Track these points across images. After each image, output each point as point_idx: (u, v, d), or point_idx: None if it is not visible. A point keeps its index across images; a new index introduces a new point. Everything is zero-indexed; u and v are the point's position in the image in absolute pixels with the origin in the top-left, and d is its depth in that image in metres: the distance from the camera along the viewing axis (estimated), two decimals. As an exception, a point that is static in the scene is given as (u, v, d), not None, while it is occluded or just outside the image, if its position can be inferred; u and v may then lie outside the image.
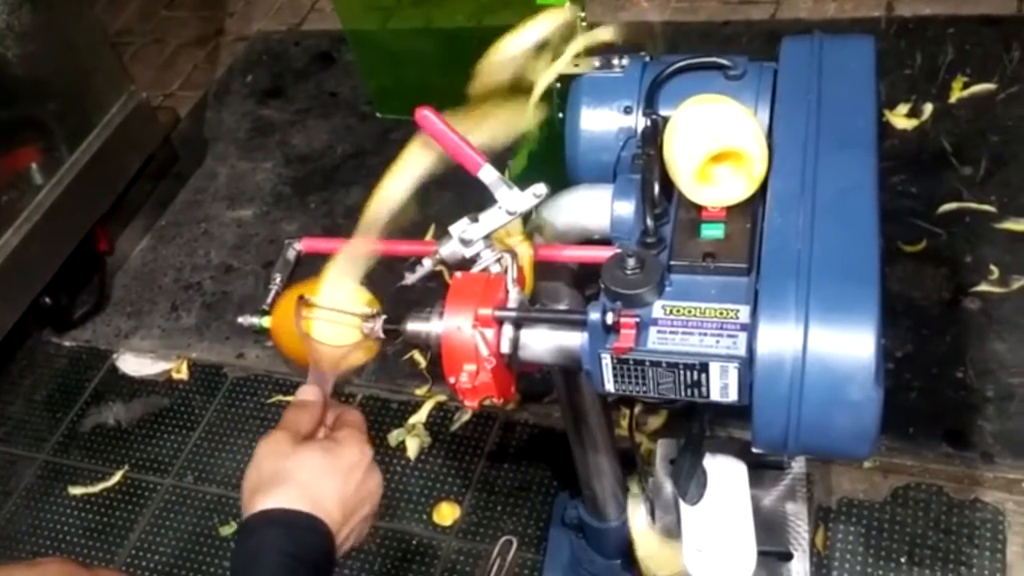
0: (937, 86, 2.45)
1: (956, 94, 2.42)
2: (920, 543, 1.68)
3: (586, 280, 1.11)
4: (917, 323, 1.97)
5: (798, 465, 1.66)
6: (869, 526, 1.72)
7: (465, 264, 0.96)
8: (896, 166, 2.24)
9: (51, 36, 2.26)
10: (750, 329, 0.82)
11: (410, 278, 0.99)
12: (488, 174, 0.95)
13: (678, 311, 0.85)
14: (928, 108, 2.39)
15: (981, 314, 1.96)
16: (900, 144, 2.32)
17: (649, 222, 0.91)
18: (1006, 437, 1.78)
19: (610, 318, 0.84)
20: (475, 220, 0.95)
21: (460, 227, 0.95)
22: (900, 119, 2.38)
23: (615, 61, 1.08)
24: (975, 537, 1.67)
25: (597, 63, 1.08)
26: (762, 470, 1.64)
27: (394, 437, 2.04)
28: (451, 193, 2.52)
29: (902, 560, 1.67)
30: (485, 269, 0.94)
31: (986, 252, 2.06)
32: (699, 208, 0.93)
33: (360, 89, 2.97)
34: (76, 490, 2.13)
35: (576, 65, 1.09)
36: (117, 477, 2.13)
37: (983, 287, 2.00)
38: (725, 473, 1.29)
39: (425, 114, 0.96)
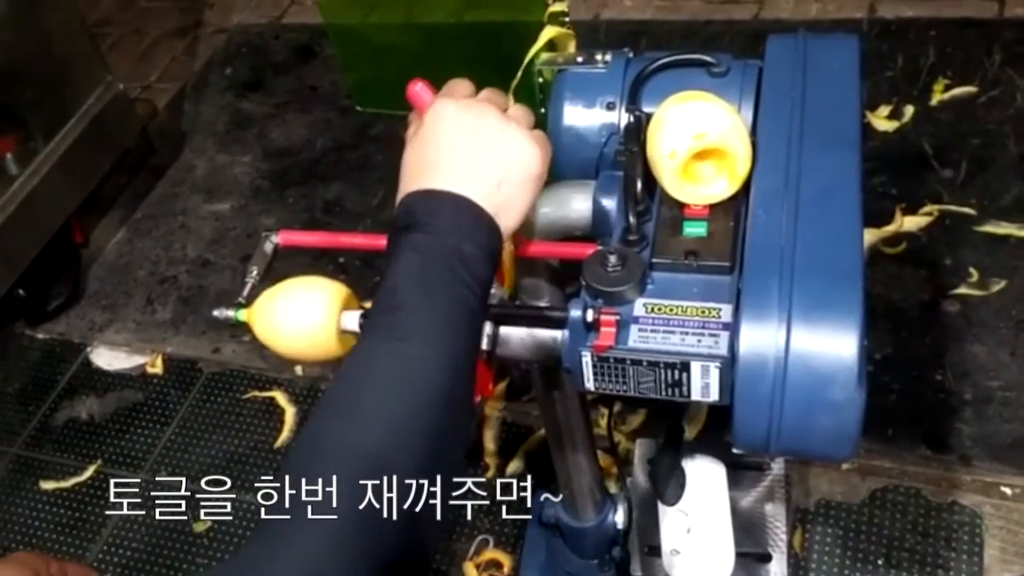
0: (918, 88, 2.45)
1: (937, 96, 2.42)
2: (898, 545, 1.68)
3: (567, 277, 1.10)
4: (897, 325, 1.97)
5: (777, 466, 1.65)
6: (847, 528, 1.72)
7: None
8: (877, 168, 2.24)
9: (28, 25, 2.24)
10: (732, 328, 0.81)
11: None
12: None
13: (660, 309, 0.84)
14: (909, 110, 2.40)
15: (960, 317, 1.96)
16: (881, 146, 2.32)
17: (631, 219, 0.90)
18: (984, 440, 1.78)
19: (591, 315, 0.83)
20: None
21: (440, 221, 0.93)
22: (881, 121, 2.38)
23: (598, 57, 1.06)
24: (953, 540, 1.67)
25: (580, 58, 1.07)
26: (741, 471, 1.64)
27: (371, 434, 2.02)
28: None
29: (879, 562, 1.67)
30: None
31: (966, 255, 2.07)
32: (682, 206, 0.91)
33: (340, 84, 2.95)
34: (48, 484, 2.10)
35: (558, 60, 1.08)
36: (90, 472, 2.11)
37: (962, 290, 2.00)
38: (704, 474, 1.29)
39: (417, 89, 0.93)
